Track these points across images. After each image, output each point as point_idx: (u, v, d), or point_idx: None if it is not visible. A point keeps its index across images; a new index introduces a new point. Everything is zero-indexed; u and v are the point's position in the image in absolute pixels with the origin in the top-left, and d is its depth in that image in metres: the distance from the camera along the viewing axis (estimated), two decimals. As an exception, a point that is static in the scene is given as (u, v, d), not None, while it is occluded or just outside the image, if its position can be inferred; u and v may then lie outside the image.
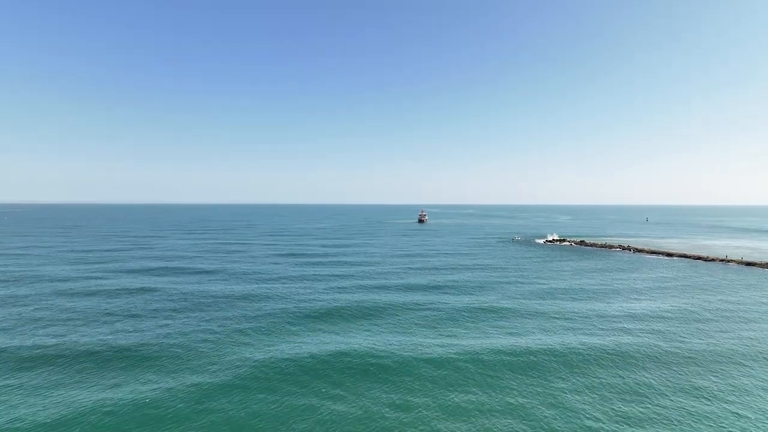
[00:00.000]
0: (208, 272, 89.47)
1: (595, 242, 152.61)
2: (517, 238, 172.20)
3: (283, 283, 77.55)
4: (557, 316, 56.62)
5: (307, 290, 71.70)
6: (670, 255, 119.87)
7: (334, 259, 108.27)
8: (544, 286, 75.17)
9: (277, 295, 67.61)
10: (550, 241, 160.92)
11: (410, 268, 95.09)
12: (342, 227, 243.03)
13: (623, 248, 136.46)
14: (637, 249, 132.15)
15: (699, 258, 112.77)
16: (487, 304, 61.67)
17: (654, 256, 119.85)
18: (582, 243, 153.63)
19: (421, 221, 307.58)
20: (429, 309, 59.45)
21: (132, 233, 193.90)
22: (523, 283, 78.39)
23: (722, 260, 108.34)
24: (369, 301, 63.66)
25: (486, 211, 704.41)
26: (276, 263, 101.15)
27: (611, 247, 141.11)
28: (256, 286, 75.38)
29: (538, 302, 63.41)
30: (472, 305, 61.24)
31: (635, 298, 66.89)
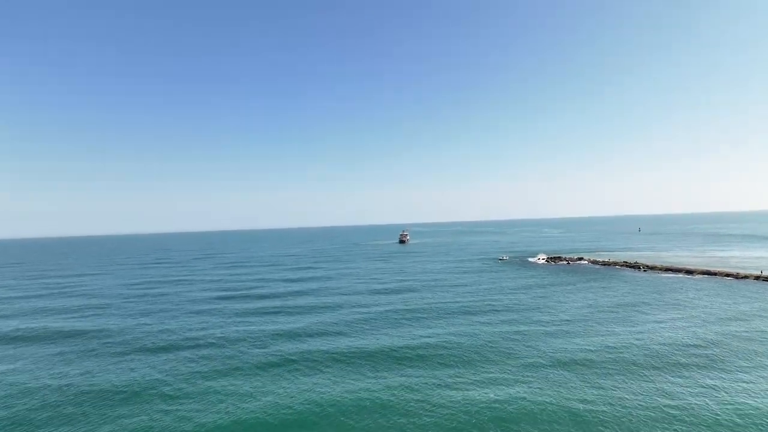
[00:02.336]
0: (84, 332, 66.43)
1: (596, 259, 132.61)
2: (505, 257, 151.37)
3: (191, 350, 55.00)
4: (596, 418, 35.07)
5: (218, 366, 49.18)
6: (690, 273, 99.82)
7: (288, 302, 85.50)
8: (554, 347, 53.88)
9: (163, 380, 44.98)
10: (545, 260, 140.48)
11: (372, 318, 73.14)
12: (315, 252, 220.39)
13: (630, 266, 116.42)
14: (648, 266, 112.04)
15: (729, 275, 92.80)
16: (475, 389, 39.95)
17: (672, 275, 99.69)
18: (580, 260, 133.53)
19: (402, 242, 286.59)
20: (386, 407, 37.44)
21: (58, 272, 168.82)
22: (518, 339, 56.94)
23: (758, 277, 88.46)
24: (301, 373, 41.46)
25: (473, 227, 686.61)
26: (209, 311, 78.31)
27: (616, 264, 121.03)
28: (150, 358, 52.68)
29: (550, 383, 41.93)
30: (455, 385, 39.46)
31: (699, 358, 45.78)
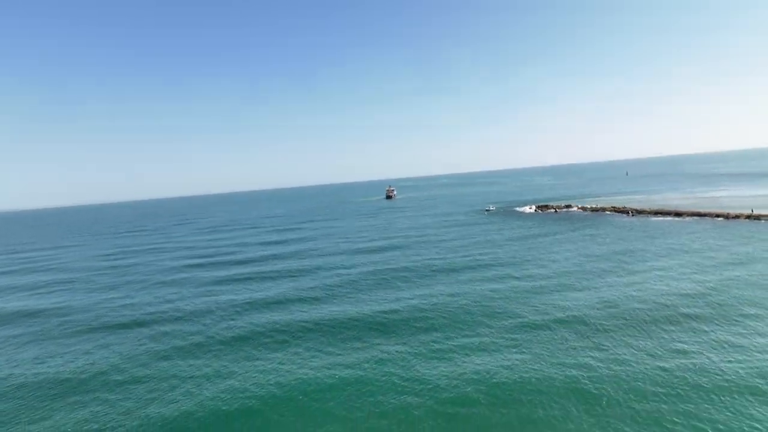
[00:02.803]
0: (43, 311, 62.16)
1: (585, 205, 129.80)
2: (492, 208, 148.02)
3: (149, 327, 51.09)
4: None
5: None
6: (679, 214, 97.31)
7: (265, 267, 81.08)
8: (542, 284, 50.74)
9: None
10: (533, 209, 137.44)
11: (352, 280, 69.52)
12: (300, 212, 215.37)
13: (618, 210, 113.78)
14: (637, 210, 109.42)
15: (720, 216, 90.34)
16: (463, 339, 36.62)
17: (661, 218, 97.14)
18: (569, 207, 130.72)
19: (389, 197, 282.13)
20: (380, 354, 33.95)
21: (27, 247, 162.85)
22: (508, 297, 53.75)
23: (749, 216, 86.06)
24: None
25: (462, 179, 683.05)
26: (179, 281, 74.04)
27: (605, 209, 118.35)
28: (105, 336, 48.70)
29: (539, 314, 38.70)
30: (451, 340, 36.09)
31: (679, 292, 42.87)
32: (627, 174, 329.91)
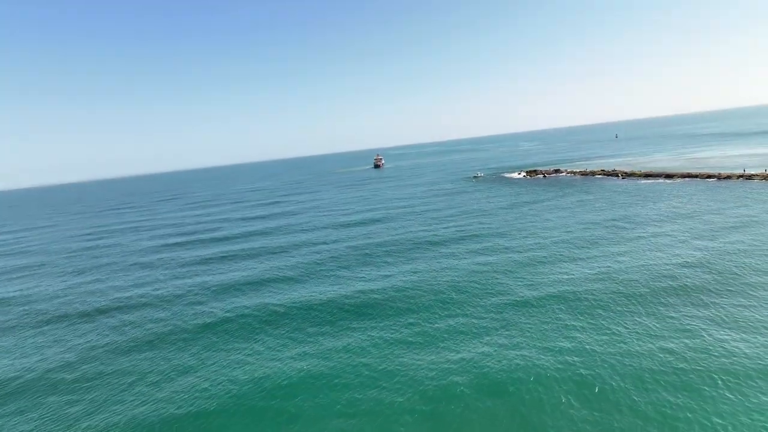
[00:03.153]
0: (7, 300, 58.51)
1: (574, 169, 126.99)
2: (480, 175, 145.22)
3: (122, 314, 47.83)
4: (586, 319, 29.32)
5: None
6: (670, 176, 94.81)
7: (243, 245, 77.89)
8: (530, 254, 48.09)
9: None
10: (522, 175, 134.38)
11: (331, 258, 66.43)
12: (287, 184, 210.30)
13: (608, 174, 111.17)
14: (626, 173, 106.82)
15: (711, 177, 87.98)
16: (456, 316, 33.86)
17: (651, 180, 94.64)
18: (557, 172, 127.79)
19: (377, 167, 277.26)
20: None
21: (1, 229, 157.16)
22: (496, 272, 51.12)
23: (741, 176, 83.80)
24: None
25: (451, 146, 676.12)
26: (153, 263, 70.41)
27: (594, 173, 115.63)
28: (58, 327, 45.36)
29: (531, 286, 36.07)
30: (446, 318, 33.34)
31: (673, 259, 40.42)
32: (617, 137, 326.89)
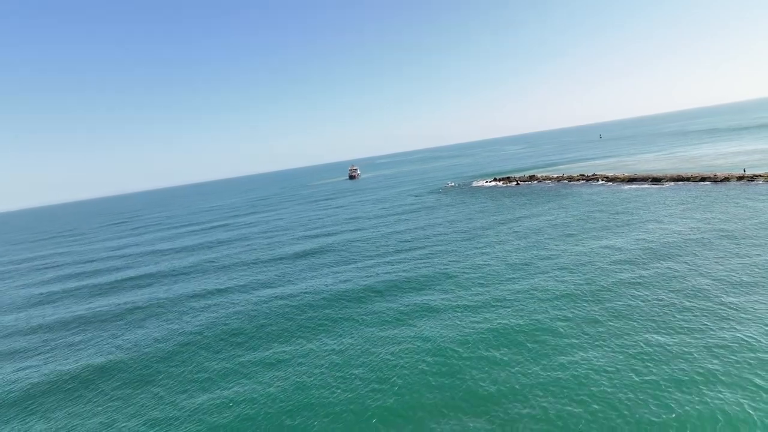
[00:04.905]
0: None
1: (549, 174, 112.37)
2: (451, 184, 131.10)
3: None
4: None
5: None
6: (657, 180, 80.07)
7: (136, 296, 62.61)
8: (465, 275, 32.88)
9: None
10: (493, 182, 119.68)
11: (254, 309, 51.08)
12: (248, 202, 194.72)
13: (587, 178, 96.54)
14: (607, 177, 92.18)
15: (705, 179, 73.31)
16: None
17: (635, 186, 79.91)
18: (532, 178, 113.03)
19: (352, 177, 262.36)
20: None
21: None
22: (429, 314, 35.97)
23: (741, 178, 69.26)
24: None
25: (438, 152, 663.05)
26: (36, 313, 54.61)
27: (572, 178, 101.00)
28: None
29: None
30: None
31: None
32: (600, 137, 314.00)
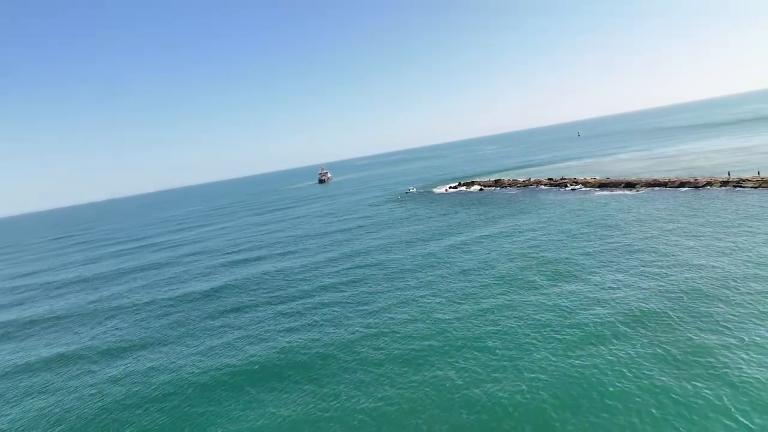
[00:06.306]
0: None
1: (516, 179, 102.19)
2: (412, 190, 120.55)
3: None
4: None
5: None
6: (631, 186, 70.15)
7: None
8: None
9: None
10: (453, 188, 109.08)
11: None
12: (203, 212, 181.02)
13: (555, 184, 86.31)
14: (577, 182, 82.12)
15: (684, 185, 63.46)
16: None
17: (607, 192, 69.84)
18: (497, 182, 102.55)
19: (322, 181, 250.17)
20: None
21: None
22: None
23: (726, 182, 59.53)
24: None
25: (416, 153, 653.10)
26: None
27: (539, 182, 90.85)
28: None
29: None
30: None
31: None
32: (579, 135, 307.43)
